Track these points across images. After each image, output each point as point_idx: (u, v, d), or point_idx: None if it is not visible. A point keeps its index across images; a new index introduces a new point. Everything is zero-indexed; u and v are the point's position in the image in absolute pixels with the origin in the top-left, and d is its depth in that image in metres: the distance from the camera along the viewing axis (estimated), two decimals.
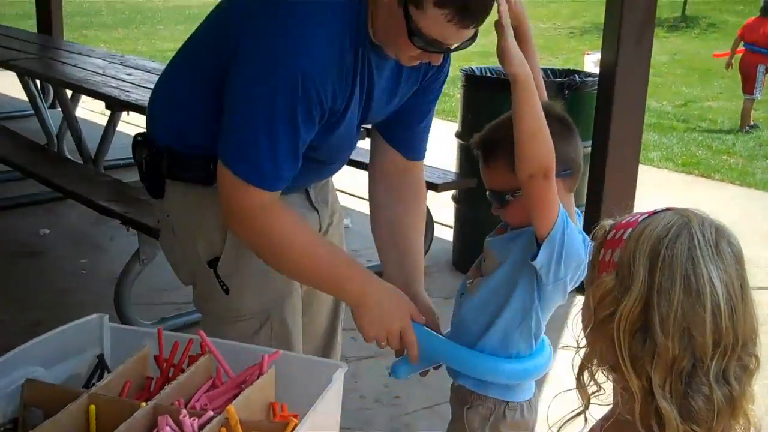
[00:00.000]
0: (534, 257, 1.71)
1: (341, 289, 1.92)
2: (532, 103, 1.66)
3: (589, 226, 4.01)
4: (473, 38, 1.69)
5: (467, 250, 4.46)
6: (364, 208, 6.06)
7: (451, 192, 4.77)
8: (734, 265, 1.16)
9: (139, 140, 1.99)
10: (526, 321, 1.82)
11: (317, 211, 2.10)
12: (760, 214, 6.23)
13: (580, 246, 1.73)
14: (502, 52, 1.66)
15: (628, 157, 4.44)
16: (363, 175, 2.22)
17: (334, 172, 2.13)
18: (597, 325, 1.16)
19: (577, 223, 1.83)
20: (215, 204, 1.81)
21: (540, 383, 1.99)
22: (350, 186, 5.87)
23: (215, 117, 1.77)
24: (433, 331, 1.90)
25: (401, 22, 1.63)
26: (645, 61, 4.34)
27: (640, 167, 7.04)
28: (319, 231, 2.12)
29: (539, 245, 1.70)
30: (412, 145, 2.07)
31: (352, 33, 1.71)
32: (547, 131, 1.67)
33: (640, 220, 1.20)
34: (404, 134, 2.05)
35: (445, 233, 4.96)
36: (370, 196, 2.15)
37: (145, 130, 2.02)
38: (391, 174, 2.08)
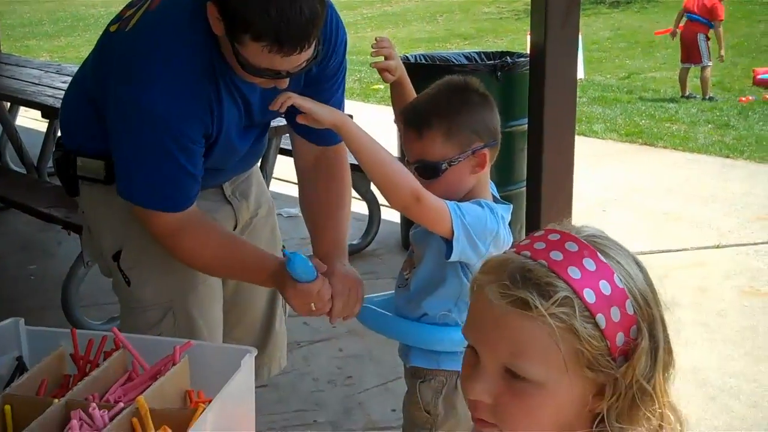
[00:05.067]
0: (449, 255, 1.77)
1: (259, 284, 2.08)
2: (363, 140, 1.73)
3: (530, 203, 4.07)
4: (315, 56, 1.76)
5: None
6: None
7: None
8: None
9: (57, 142, 2.11)
10: (462, 299, 1.87)
11: (231, 204, 2.19)
12: (703, 176, 6.38)
13: (486, 221, 1.79)
14: (310, 115, 1.72)
15: (564, 132, 4.50)
16: None
17: (239, 173, 2.21)
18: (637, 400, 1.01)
19: (489, 193, 1.91)
20: (117, 200, 1.92)
21: None
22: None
23: (94, 125, 1.91)
24: (381, 310, 1.97)
25: (233, 56, 1.73)
26: (573, 39, 4.42)
27: (584, 139, 7.22)
28: (236, 223, 2.20)
29: (448, 242, 1.76)
30: (319, 134, 2.12)
31: (208, 69, 1.81)
32: (393, 160, 1.74)
33: (590, 257, 1.01)
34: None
35: (392, 215, 5.03)
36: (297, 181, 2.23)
37: None
38: (307, 160, 2.16)
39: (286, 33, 1.64)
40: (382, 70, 2.01)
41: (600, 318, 0.98)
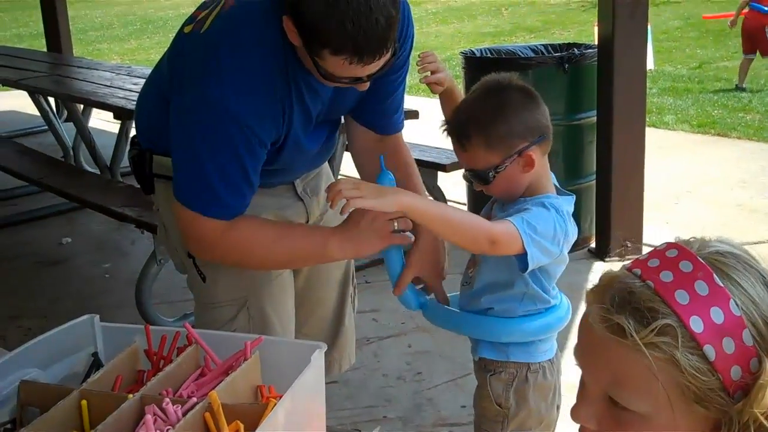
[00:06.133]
0: (523, 267, 1.76)
1: (326, 260, 2.08)
2: (431, 212, 1.73)
3: (601, 196, 4.04)
4: (393, 55, 1.74)
5: None
6: None
7: (462, 170, 4.80)
8: None
9: (132, 141, 2.12)
10: (527, 296, 1.89)
11: (303, 201, 2.18)
12: None
13: (554, 224, 1.78)
14: (374, 209, 1.72)
15: (634, 124, 4.44)
16: None
17: (310, 170, 2.20)
18: None
19: (551, 184, 1.89)
20: None
21: (561, 343, 2.04)
22: None
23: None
24: (445, 306, 1.99)
25: (314, 68, 1.73)
26: (642, 29, 4.36)
27: (655, 131, 7.10)
28: (307, 220, 2.20)
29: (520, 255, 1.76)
30: (382, 123, 2.14)
31: (281, 70, 1.80)
32: (463, 216, 1.77)
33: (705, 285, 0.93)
34: (372, 115, 2.12)
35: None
36: (357, 171, 2.22)
37: None
38: (367, 149, 2.15)
39: (364, 44, 1.64)
40: (431, 84, 2.02)
41: (708, 349, 0.90)
